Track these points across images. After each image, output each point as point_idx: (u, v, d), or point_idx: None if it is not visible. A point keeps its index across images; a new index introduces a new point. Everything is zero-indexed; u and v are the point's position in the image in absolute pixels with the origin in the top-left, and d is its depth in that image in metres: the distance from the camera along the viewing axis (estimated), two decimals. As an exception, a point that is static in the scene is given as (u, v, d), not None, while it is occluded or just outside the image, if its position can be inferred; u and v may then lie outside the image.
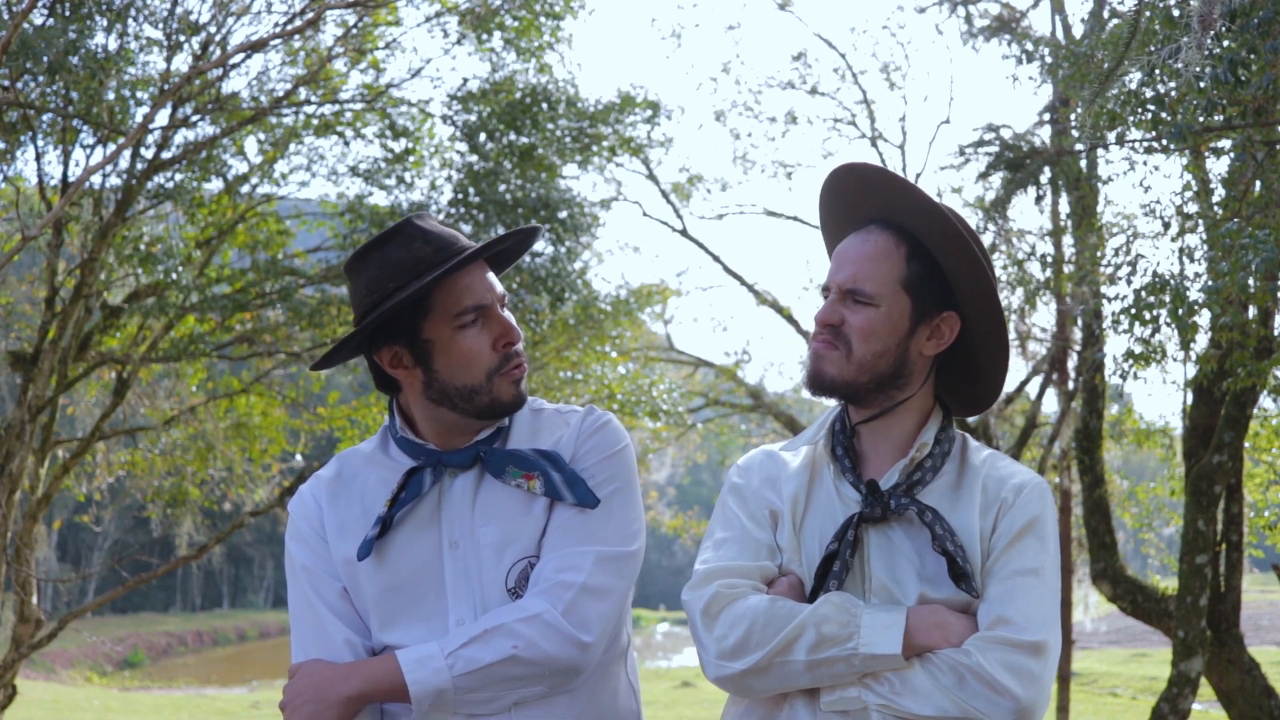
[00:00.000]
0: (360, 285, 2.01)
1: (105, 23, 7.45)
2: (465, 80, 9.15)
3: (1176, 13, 4.66)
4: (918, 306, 1.94)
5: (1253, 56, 4.23)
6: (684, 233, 14.97)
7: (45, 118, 7.65)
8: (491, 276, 2.04)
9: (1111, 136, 5.93)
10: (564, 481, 2.00)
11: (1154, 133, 5.42)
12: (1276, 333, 6.90)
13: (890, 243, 1.95)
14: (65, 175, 8.19)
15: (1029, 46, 8.37)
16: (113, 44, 7.68)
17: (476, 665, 1.88)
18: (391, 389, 2.08)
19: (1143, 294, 5.78)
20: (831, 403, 2.08)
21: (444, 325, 1.98)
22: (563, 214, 8.64)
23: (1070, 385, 10.61)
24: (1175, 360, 6.70)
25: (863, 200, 2.00)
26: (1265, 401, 7.98)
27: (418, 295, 1.95)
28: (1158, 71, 4.98)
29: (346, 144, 9.40)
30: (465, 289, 1.98)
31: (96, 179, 8.21)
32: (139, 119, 7.60)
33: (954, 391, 2.06)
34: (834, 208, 2.06)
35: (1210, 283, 5.07)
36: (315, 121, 9.19)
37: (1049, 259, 9.32)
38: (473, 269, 2.01)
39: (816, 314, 1.97)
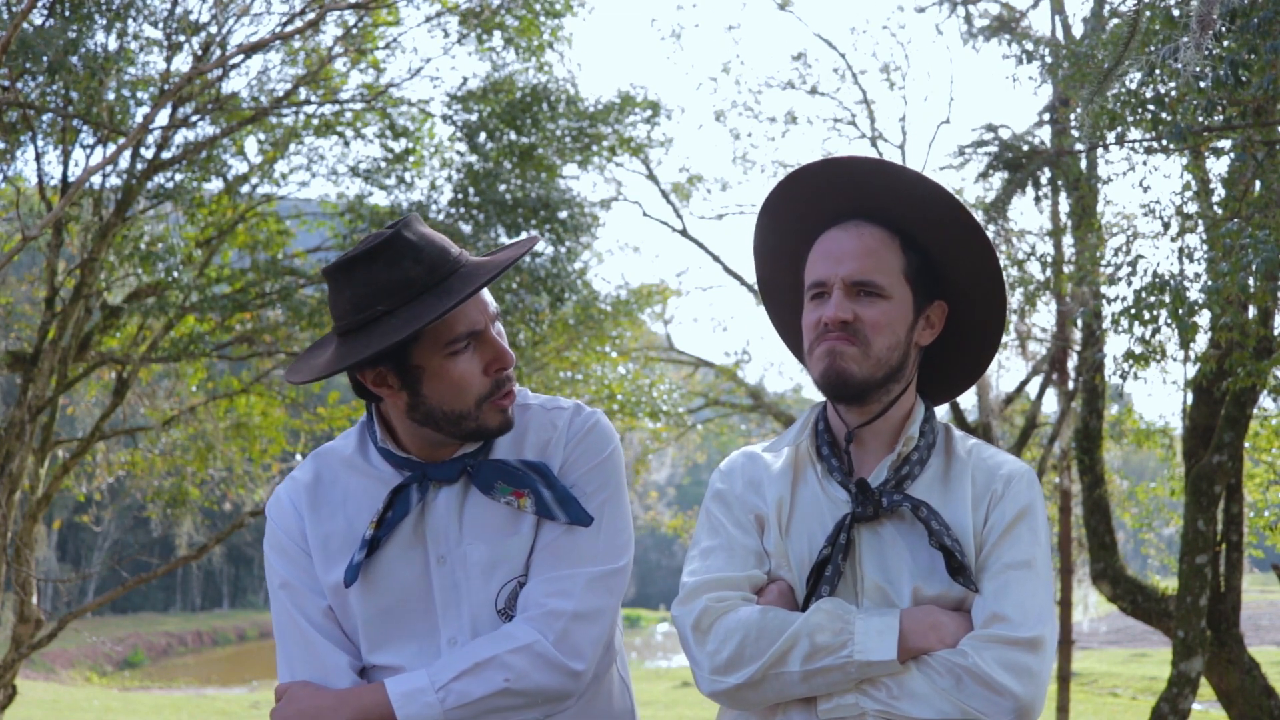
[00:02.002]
0: (343, 299, 1.89)
1: (105, 23, 7.45)
2: (465, 80, 9.16)
3: (1176, 13, 4.66)
4: (917, 297, 1.92)
5: (1253, 57, 4.23)
6: (684, 233, 14.98)
7: (45, 118, 7.65)
8: (485, 295, 1.94)
9: (1111, 136, 5.93)
10: (556, 500, 1.94)
11: (1154, 133, 5.42)
12: (1276, 333, 6.89)
13: (884, 234, 1.91)
14: (65, 175, 8.20)
15: (1029, 46, 8.37)
16: (113, 44, 7.68)
17: (468, 699, 1.85)
18: (372, 399, 1.99)
19: (1143, 294, 5.78)
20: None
21: (435, 352, 1.88)
22: (563, 214, 8.64)
23: (1070, 385, 10.60)
24: (1175, 360, 6.70)
25: (844, 194, 1.94)
26: (1265, 401, 7.98)
27: (407, 327, 1.83)
28: (1157, 71, 4.98)
29: (346, 144, 9.41)
30: (458, 315, 1.88)
31: (96, 179, 8.21)
32: (139, 119, 7.61)
33: (928, 380, 2.04)
34: (807, 203, 1.97)
35: (1210, 283, 5.07)
36: (315, 121, 9.19)
37: (1049, 259, 9.33)
38: None
39: (818, 314, 1.90)
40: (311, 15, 7.30)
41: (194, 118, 8.38)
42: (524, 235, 8.67)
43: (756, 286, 2.12)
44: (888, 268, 1.89)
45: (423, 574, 1.95)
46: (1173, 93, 5.05)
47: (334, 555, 1.96)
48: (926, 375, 2.02)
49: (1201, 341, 6.57)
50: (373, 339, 1.85)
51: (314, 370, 1.94)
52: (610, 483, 2.00)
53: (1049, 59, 8.06)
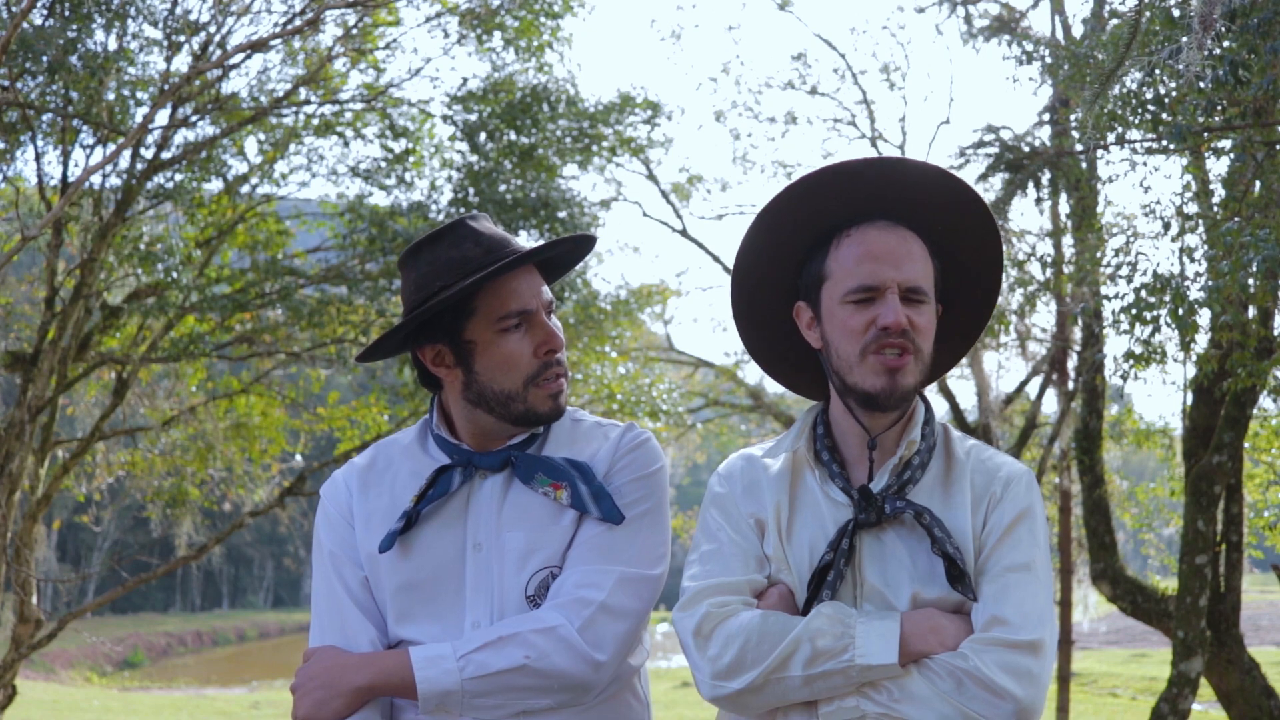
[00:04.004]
0: (410, 282, 2.02)
1: (105, 22, 7.45)
2: (465, 80, 9.15)
3: (1176, 13, 4.67)
4: (936, 302, 1.93)
5: (1253, 57, 4.23)
6: (684, 233, 15.00)
7: (45, 118, 7.65)
8: (539, 282, 2.03)
9: (1111, 137, 5.93)
10: (591, 495, 1.98)
11: (1154, 133, 5.42)
12: (1276, 333, 6.89)
13: (918, 239, 1.89)
14: (65, 175, 8.19)
15: (1029, 47, 8.37)
16: (112, 44, 7.68)
17: (487, 671, 1.89)
18: (434, 386, 2.10)
19: (1143, 294, 5.78)
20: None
21: (487, 328, 1.98)
22: (563, 214, 8.63)
23: (1070, 385, 10.61)
24: (1175, 360, 6.69)
25: (877, 193, 1.88)
26: (1265, 401, 7.98)
27: (462, 296, 1.95)
28: (1158, 72, 4.98)
29: (346, 144, 9.40)
30: (510, 293, 1.98)
31: (96, 179, 8.21)
32: (139, 119, 7.60)
33: None
34: (846, 197, 1.88)
35: (1210, 282, 5.07)
36: (315, 121, 9.19)
37: (1049, 259, 9.33)
38: (520, 273, 2.00)
39: (868, 317, 1.84)
40: (311, 15, 7.29)
41: (194, 118, 8.38)
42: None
43: (739, 283, 2.00)
44: (927, 273, 1.88)
45: (457, 557, 2.00)
46: (1173, 93, 5.05)
47: (375, 528, 2.03)
48: None
49: (1202, 341, 6.56)
50: (428, 311, 1.96)
51: (374, 346, 2.07)
52: (653, 496, 2.05)
53: (1049, 59, 8.07)
